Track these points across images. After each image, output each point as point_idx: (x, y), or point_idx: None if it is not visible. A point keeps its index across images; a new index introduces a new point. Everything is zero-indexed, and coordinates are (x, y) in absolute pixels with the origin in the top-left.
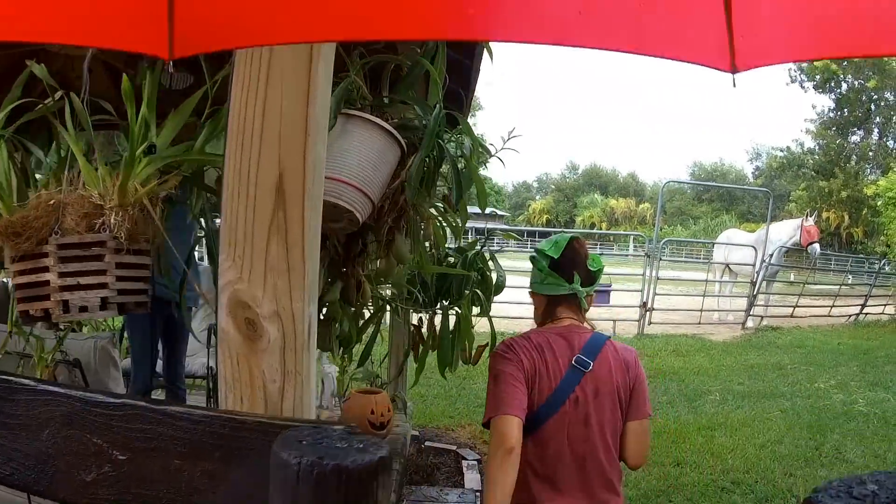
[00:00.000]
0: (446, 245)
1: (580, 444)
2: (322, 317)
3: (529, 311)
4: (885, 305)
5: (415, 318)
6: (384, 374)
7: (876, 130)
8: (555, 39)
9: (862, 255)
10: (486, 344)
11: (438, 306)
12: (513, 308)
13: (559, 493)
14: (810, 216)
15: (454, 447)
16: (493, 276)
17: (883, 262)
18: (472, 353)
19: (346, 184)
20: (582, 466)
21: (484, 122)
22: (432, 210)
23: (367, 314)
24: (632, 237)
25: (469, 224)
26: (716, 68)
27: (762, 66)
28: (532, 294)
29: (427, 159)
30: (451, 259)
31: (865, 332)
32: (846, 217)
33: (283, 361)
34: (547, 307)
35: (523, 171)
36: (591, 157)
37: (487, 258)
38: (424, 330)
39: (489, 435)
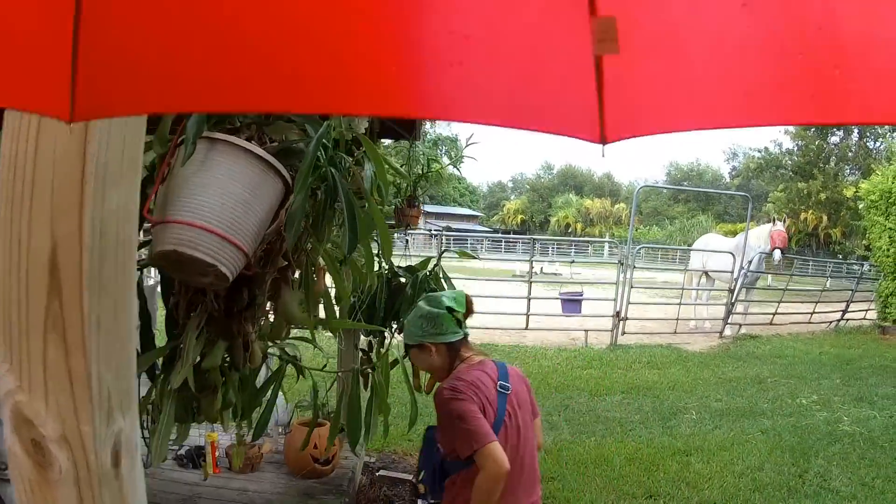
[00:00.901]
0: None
1: (520, 448)
2: (204, 385)
3: (499, 320)
4: (866, 311)
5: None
6: (333, 402)
7: (856, 131)
8: (437, 114)
9: (840, 257)
10: None
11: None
12: (485, 318)
13: (509, 492)
14: (779, 220)
15: (410, 476)
16: None
17: (865, 265)
18: (426, 382)
19: (206, 230)
20: (523, 465)
21: (456, 123)
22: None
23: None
24: (606, 243)
25: (446, 223)
26: (586, 140)
27: (630, 138)
28: (431, 346)
29: (318, 194)
30: (402, 279)
31: (847, 339)
32: (824, 218)
33: (80, 498)
34: (450, 352)
35: (498, 171)
36: (567, 157)
37: (440, 277)
38: (374, 355)
39: (482, 462)
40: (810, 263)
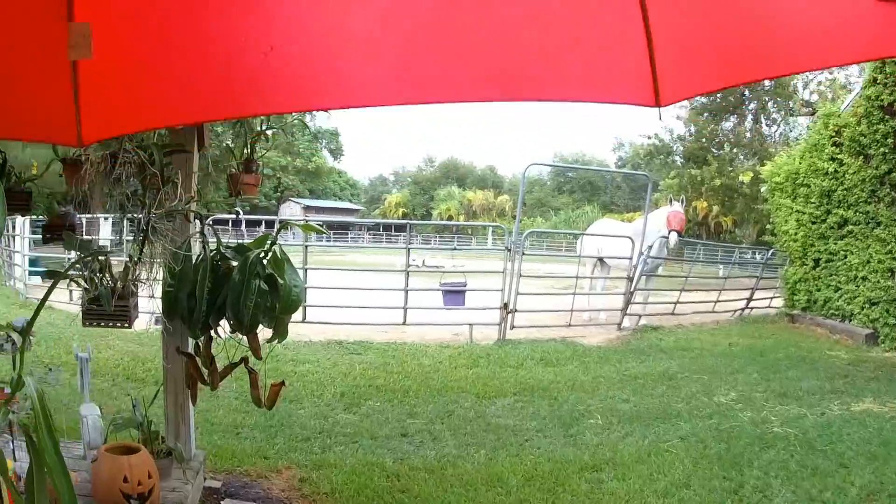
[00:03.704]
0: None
1: None
2: None
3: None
4: (771, 298)
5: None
6: (160, 418)
7: (749, 116)
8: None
9: (731, 244)
10: (282, 382)
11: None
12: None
13: None
14: (676, 201)
15: None
16: (287, 285)
17: (770, 252)
18: (267, 394)
19: None
20: None
21: (339, 114)
22: None
23: None
24: (490, 229)
25: (324, 218)
26: (65, 144)
27: (105, 139)
28: None
29: None
30: (233, 262)
31: (755, 328)
32: (714, 207)
33: None
34: None
35: (380, 165)
36: (450, 151)
37: (280, 259)
38: (200, 361)
39: None
40: (700, 248)
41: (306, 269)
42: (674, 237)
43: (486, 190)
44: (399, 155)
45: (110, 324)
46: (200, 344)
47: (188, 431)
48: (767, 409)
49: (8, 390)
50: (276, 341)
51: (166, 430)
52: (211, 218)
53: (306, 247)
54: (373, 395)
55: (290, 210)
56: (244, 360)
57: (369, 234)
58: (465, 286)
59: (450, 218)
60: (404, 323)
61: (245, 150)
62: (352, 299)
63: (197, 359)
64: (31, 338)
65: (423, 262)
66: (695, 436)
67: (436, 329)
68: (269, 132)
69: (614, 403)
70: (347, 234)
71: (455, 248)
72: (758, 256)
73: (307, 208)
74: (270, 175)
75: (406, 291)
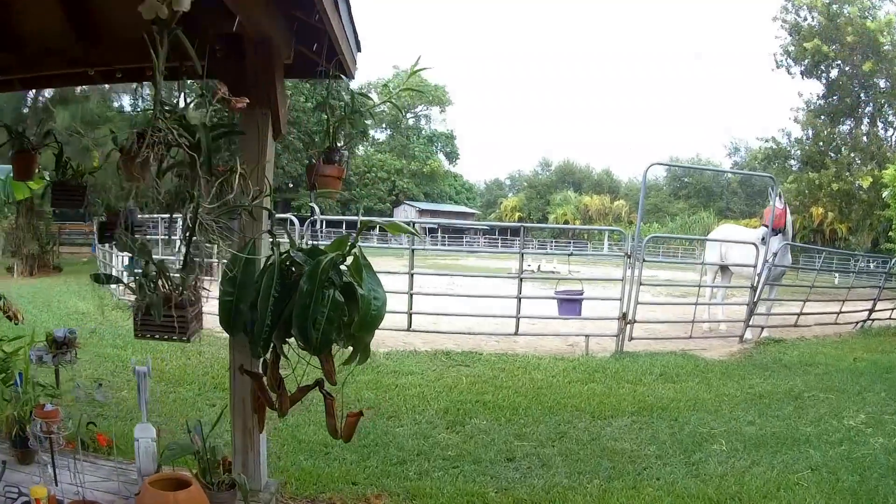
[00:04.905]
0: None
1: None
2: None
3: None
4: (892, 309)
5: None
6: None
7: (866, 119)
8: None
9: (846, 252)
10: (360, 412)
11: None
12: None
13: None
14: (774, 192)
15: None
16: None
17: (894, 260)
18: (343, 424)
19: None
20: None
21: (455, 117)
22: None
23: None
24: (606, 234)
25: (440, 221)
26: None
27: None
28: None
29: None
30: (304, 266)
31: (878, 342)
32: (829, 214)
33: None
34: None
35: (496, 168)
36: (565, 154)
37: (359, 264)
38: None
39: None
40: (815, 258)
41: (412, 275)
42: (764, 232)
43: (602, 195)
44: (515, 158)
45: (165, 336)
46: (269, 362)
47: (257, 459)
48: None
49: (49, 406)
50: (355, 364)
51: (233, 458)
52: (323, 218)
53: (413, 250)
54: (479, 412)
55: (405, 213)
56: (319, 382)
57: (485, 239)
58: (581, 294)
59: (566, 223)
60: (516, 333)
61: (328, 137)
62: (461, 307)
63: (264, 379)
64: (74, 350)
65: (539, 267)
66: (825, 466)
67: (549, 340)
68: (353, 118)
69: (739, 426)
70: (462, 237)
71: (571, 254)
72: (872, 265)
73: (422, 211)
74: (385, 178)
75: (519, 299)
